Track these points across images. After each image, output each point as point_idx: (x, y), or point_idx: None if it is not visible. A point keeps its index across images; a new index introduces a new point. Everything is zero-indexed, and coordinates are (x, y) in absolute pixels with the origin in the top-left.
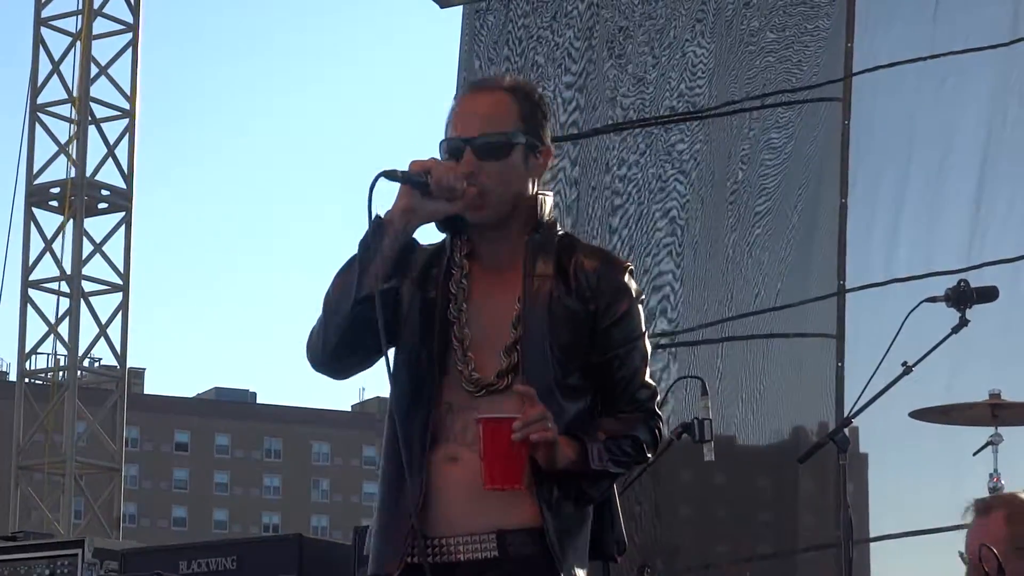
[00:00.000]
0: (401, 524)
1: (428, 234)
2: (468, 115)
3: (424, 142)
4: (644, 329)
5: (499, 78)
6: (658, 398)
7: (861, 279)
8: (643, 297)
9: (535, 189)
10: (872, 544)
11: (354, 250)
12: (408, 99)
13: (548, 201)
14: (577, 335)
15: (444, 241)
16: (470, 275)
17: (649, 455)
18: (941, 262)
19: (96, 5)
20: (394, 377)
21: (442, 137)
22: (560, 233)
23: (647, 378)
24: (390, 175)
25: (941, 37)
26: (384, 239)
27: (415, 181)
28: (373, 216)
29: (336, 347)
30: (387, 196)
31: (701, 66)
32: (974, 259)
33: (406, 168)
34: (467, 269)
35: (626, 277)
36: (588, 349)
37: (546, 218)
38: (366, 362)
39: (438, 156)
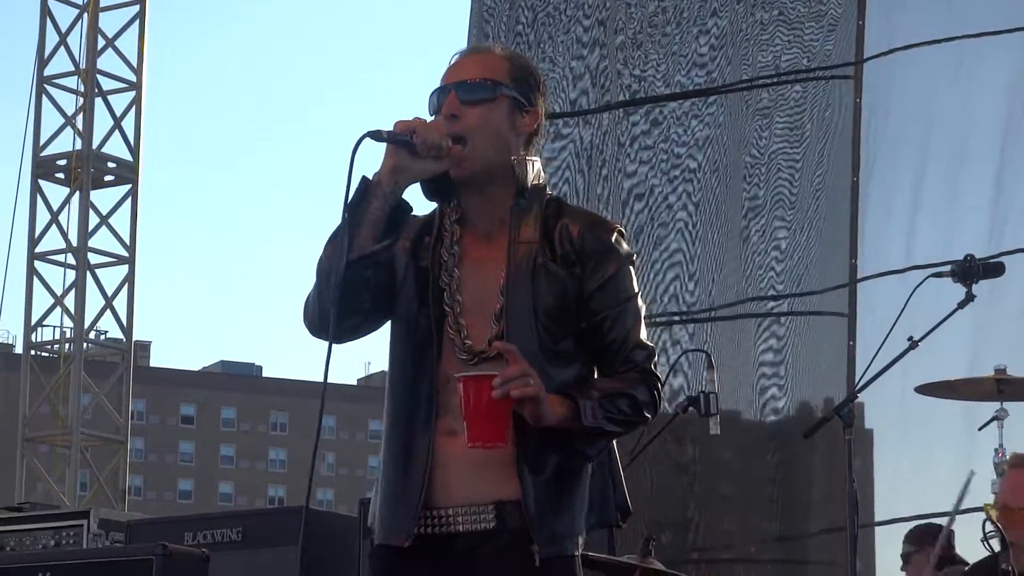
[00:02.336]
0: (409, 496)
1: (419, 205)
2: (458, 67)
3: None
4: (636, 290)
5: (493, 44)
6: (655, 358)
7: (880, 265)
8: (635, 259)
9: (523, 151)
10: (878, 527)
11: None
12: (419, 69)
13: (535, 165)
14: (563, 301)
15: (434, 211)
16: (461, 241)
17: (648, 415)
18: (960, 249)
19: None
20: (393, 351)
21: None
22: (548, 197)
23: (642, 338)
24: (375, 135)
25: (956, 20)
26: (373, 200)
27: (400, 140)
28: (358, 177)
29: (329, 313)
30: (371, 161)
31: (713, 43)
32: (993, 248)
33: (391, 128)
34: (457, 235)
35: (614, 238)
36: (576, 314)
37: (533, 182)
38: (363, 327)
39: (428, 110)
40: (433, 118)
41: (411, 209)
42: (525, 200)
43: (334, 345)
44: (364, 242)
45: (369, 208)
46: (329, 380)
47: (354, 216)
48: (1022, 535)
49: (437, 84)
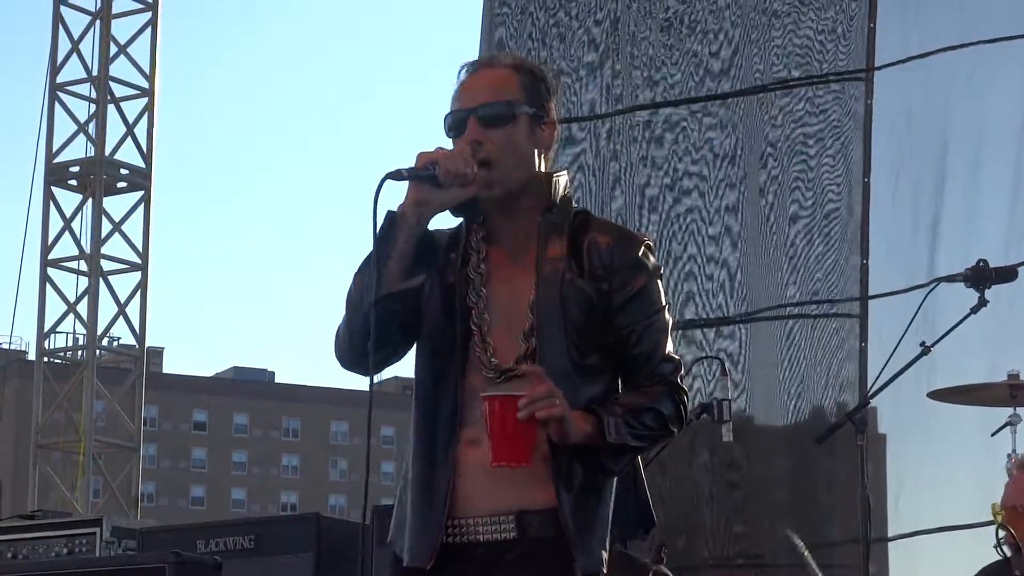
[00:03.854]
0: (435, 513)
1: (444, 220)
2: (471, 88)
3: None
4: (664, 303)
5: (502, 55)
6: (682, 372)
7: (905, 277)
8: (662, 272)
9: (545, 166)
10: (891, 530)
11: (369, 245)
12: (435, 76)
13: (562, 179)
14: (591, 316)
15: (460, 225)
16: (488, 259)
17: (674, 429)
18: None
19: None
20: (419, 365)
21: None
22: (575, 210)
23: (669, 351)
24: (395, 176)
25: (970, 26)
26: (399, 235)
27: (422, 175)
28: (383, 217)
29: (363, 345)
30: (394, 192)
31: (726, 48)
32: (1012, 257)
33: (412, 163)
34: (484, 253)
35: (642, 252)
36: (604, 329)
37: (560, 196)
38: (394, 356)
39: (443, 130)
40: (451, 142)
41: (435, 238)
42: (553, 215)
43: (366, 372)
44: (393, 277)
45: (396, 243)
46: (340, 386)
47: (381, 252)
48: None
49: (449, 92)
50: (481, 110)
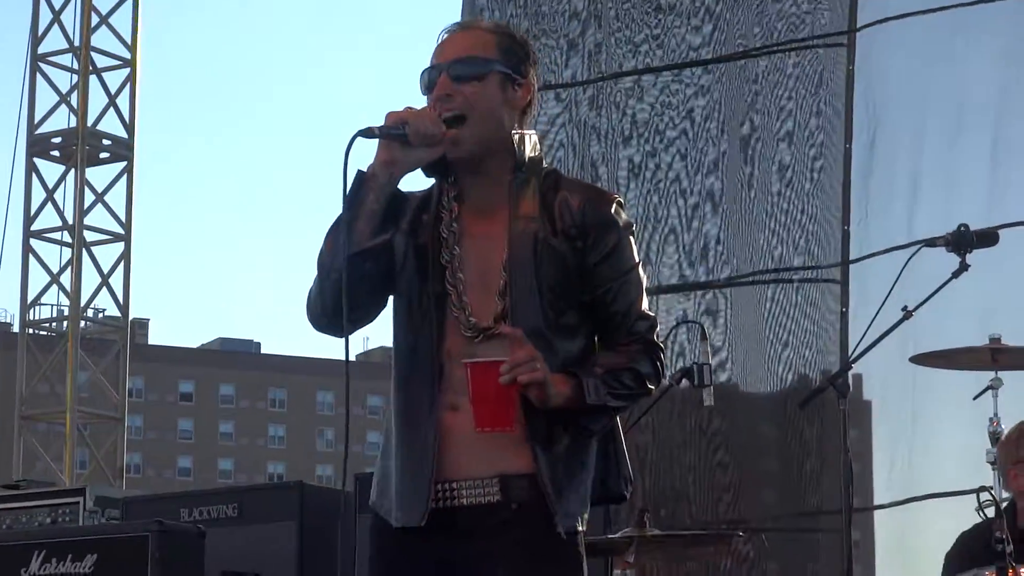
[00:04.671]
0: (423, 474)
1: (416, 182)
2: (445, 47)
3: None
4: (637, 260)
5: (479, 19)
6: (657, 329)
7: (885, 241)
8: (633, 229)
9: (517, 125)
10: (877, 496)
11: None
12: (418, 40)
13: (531, 138)
14: (565, 274)
15: (432, 186)
16: (460, 218)
17: (652, 387)
18: (958, 221)
19: None
20: (397, 329)
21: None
22: (545, 170)
23: (644, 308)
24: (366, 133)
25: None
26: (369, 193)
27: (393, 134)
28: (354, 176)
29: (334, 307)
30: (365, 152)
31: (707, 13)
32: (993, 220)
33: (382, 122)
34: (456, 212)
35: (613, 209)
36: (579, 287)
37: (530, 155)
38: (366, 317)
39: (420, 90)
40: (425, 99)
41: (406, 198)
42: (523, 174)
43: (338, 334)
44: (362, 236)
45: (365, 202)
46: (326, 356)
47: (351, 211)
48: None
49: (428, 61)
50: (453, 65)
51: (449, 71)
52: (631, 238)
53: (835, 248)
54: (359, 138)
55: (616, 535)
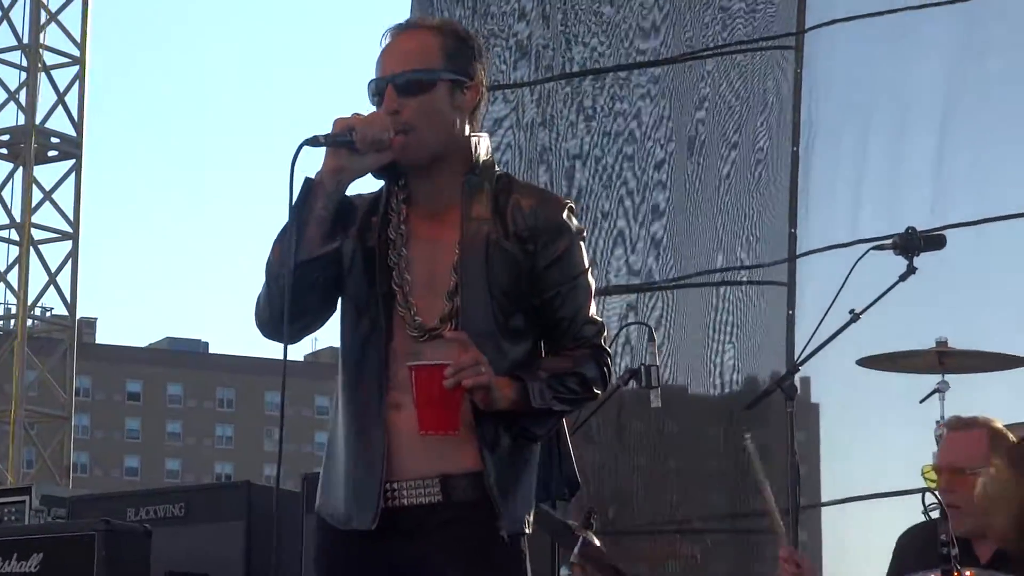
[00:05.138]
0: (373, 476)
1: (366, 184)
2: (392, 54)
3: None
4: (587, 265)
5: (424, 18)
6: (605, 334)
7: (826, 239)
8: (584, 234)
9: (468, 128)
10: (824, 497)
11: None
12: (365, 42)
13: (483, 142)
14: (516, 278)
15: (381, 189)
16: (408, 220)
17: (598, 391)
18: (904, 222)
19: None
20: (344, 329)
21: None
22: (497, 173)
23: (592, 314)
24: (312, 142)
25: None
26: (317, 201)
27: (340, 141)
28: (301, 184)
29: (282, 313)
30: (315, 156)
31: (657, 14)
32: (937, 220)
33: (329, 130)
34: (405, 214)
35: (565, 214)
36: (529, 291)
37: (482, 158)
38: (314, 324)
39: (368, 98)
40: (372, 107)
41: (354, 203)
42: (476, 177)
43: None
44: (311, 244)
45: (313, 209)
46: (275, 357)
47: (299, 219)
48: (966, 497)
49: (376, 64)
50: (399, 79)
51: (395, 84)
52: (582, 243)
53: (781, 249)
54: (306, 147)
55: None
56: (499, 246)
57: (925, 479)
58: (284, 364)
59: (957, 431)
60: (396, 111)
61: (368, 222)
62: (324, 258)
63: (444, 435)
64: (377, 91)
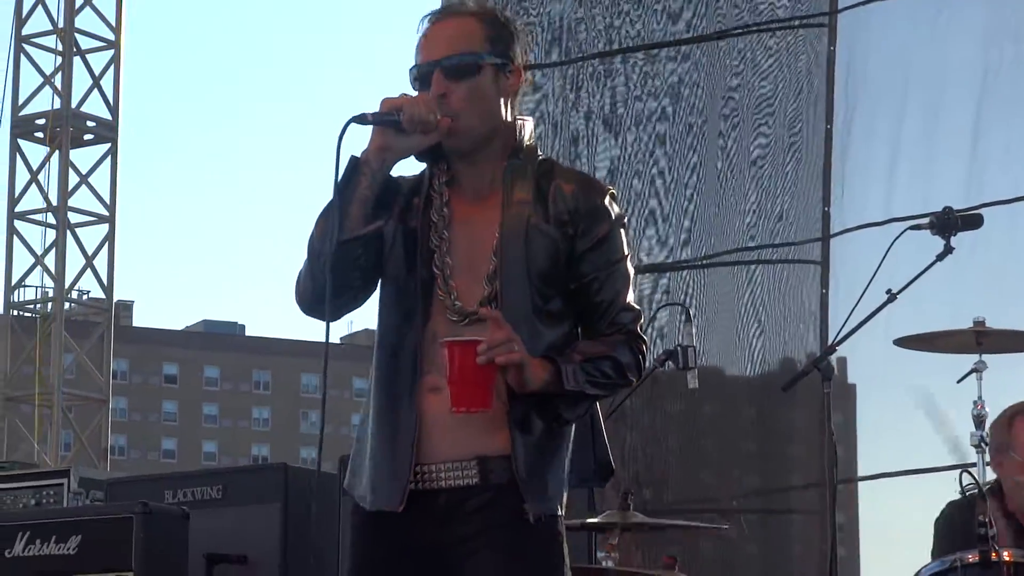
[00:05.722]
0: (402, 458)
1: (409, 165)
2: (434, 40)
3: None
4: (626, 252)
5: (463, 4)
6: (642, 321)
7: (859, 218)
8: (626, 220)
9: (511, 112)
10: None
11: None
12: (402, 23)
13: (527, 126)
14: (555, 261)
15: (424, 171)
16: (450, 203)
17: (632, 378)
18: (938, 200)
19: None
20: (382, 311)
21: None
22: (540, 158)
23: (630, 301)
24: (360, 119)
25: None
26: (362, 180)
27: (387, 120)
28: (347, 162)
29: (323, 291)
30: (360, 137)
31: None
32: (972, 199)
33: (377, 108)
34: (447, 197)
35: (606, 200)
36: (567, 275)
37: (525, 143)
38: (354, 302)
39: (408, 84)
40: (416, 92)
41: (399, 183)
42: (519, 161)
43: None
44: (355, 222)
45: (358, 188)
46: (311, 339)
47: (343, 196)
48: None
49: (414, 41)
50: (445, 62)
51: (443, 68)
52: (622, 230)
53: (814, 228)
54: (353, 124)
55: (598, 518)
56: (539, 229)
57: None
58: (327, 341)
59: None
60: (444, 95)
61: (410, 203)
62: (367, 237)
63: (476, 412)
64: (421, 76)
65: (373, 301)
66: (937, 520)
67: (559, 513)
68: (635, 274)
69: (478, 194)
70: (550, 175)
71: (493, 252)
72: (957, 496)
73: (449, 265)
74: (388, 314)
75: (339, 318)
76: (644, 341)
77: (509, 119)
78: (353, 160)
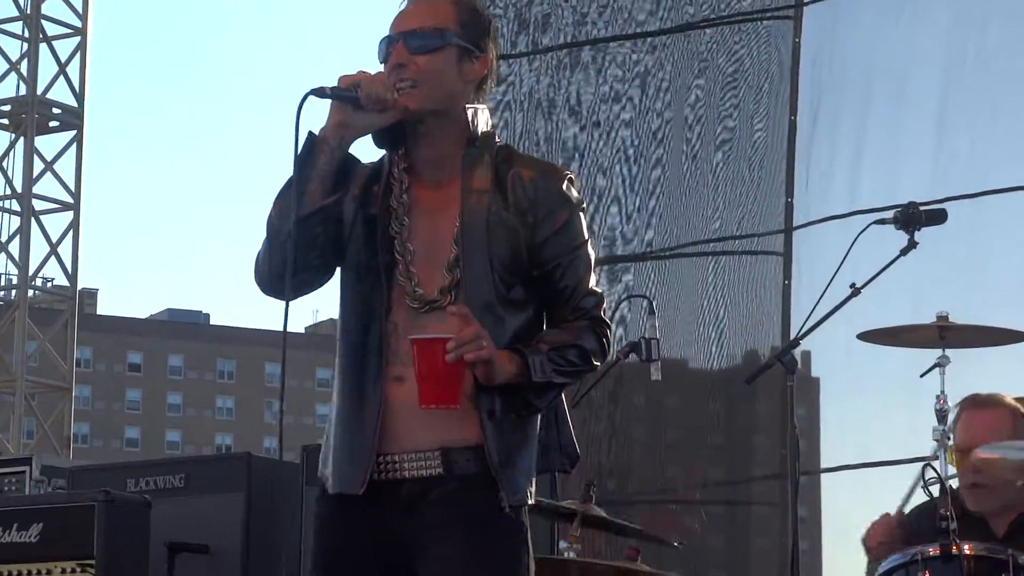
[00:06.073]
0: (363, 444)
1: (369, 153)
2: (406, 15)
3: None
4: (587, 237)
5: None
6: (604, 305)
7: (823, 210)
8: (584, 205)
9: (474, 98)
10: (824, 473)
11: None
12: (370, 15)
13: (482, 113)
14: (516, 249)
15: (383, 158)
16: (410, 189)
17: (597, 363)
18: (903, 194)
19: None
20: (344, 299)
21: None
22: (498, 144)
23: (592, 285)
24: (319, 92)
25: None
26: (320, 156)
27: (345, 96)
28: (304, 138)
29: (282, 269)
30: (317, 117)
31: None
32: (936, 192)
33: (335, 84)
34: (406, 183)
35: (564, 186)
36: (529, 262)
37: (482, 129)
38: (314, 282)
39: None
40: (381, 67)
41: (358, 161)
42: (476, 148)
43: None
44: (313, 198)
45: (316, 164)
46: (276, 328)
47: (301, 173)
48: (994, 476)
49: (387, 32)
50: (410, 36)
51: (405, 41)
52: (581, 215)
53: (777, 220)
54: (311, 98)
55: (561, 504)
56: (499, 218)
57: (952, 463)
58: (285, 321)
59: (977, 410)
60: (402, 64)
61: (370, 190)
62: (325, 210)
63: (445, 408)
64: (387, 50)
65: (335, 291)
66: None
67: (527, 502)
68: (598, 264)
69: (437, 182)
70: (509, 162)
71: (454, 240)
72: (919, 489)
73: (410, 251)
74: (349, 302)
75: (298, 296)
76: (608, 325)
77: (469, 105)
78: (311, 136)
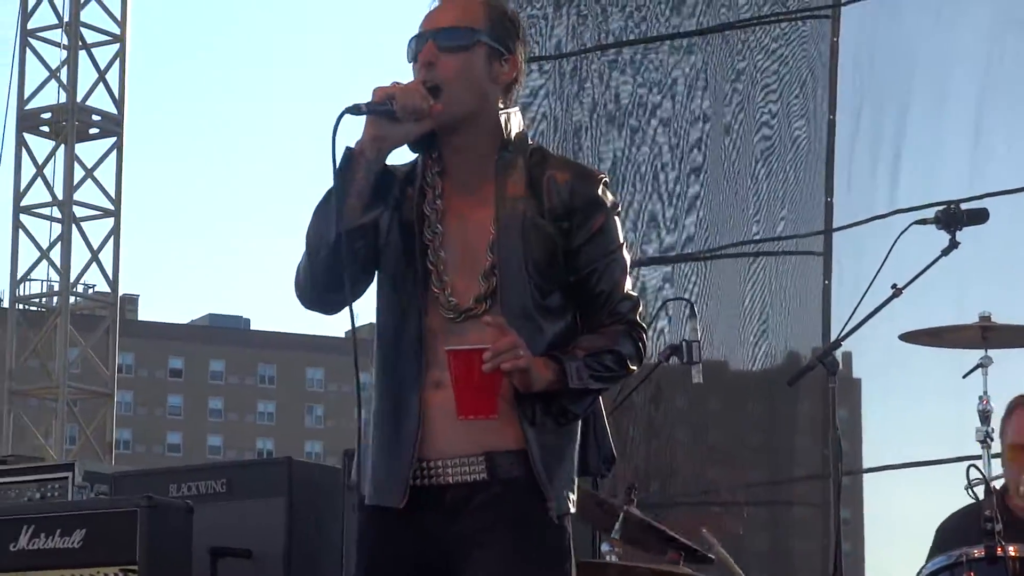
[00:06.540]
0: (403, 451)
1: (400, 156)
2: (437, 13)
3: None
4: (622, 241)
5: None
6: (640, 309)
7: (865, 211)
8: (620, 209)
9: (503, 101)
10: (866, 474)
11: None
12: (409, 18)
13: (515, 116)
14: (552, 255)
15: (415, 161)
16: (443, 195)
17: (634, 368)
18: (942, 192)
19: None
20: (380, 304)
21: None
22: (531, 147)
23: (628, 289)
24: (354, 110)
25: None
26: (358, 171)
27: (380, 110)
28: (341, 152)
29: (325, 283)
30: (355, 127)
31: None
32: (975, 190)
33: (370, 97)
34: (439, 189)
35: (600, 189)
36: (565, 268)
37: (514, 133)
38: (353, 295)
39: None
40: (411, 68)
41: (393, 172)
42: (509, 153)
43: (327, 311)
44: (352, 213)
45: (355, 179)
46: (316, 333)
47: (340, 188)
48: None
49: (424, 19)
50: (440, 34)
51: (435, 39)
52: (616, 218)
53: (817, 220)
54: (347, 115)
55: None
56: (535, 224)
57: (1004, 462)
58: (352, 329)
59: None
60: (431, 63)
61: (404, 195)
62: (365, 227)
63: (482, 419)
64: (416, 49)
65: (371, 292)
66: (941, 523)
67: (570, 510)
68: (637, 265)
69: (471, 186)
70: (543, 165)
71: (489, 248)
72: (963, 490)
73: (443, 260)
74: (386, 308)
75: (341, 310)
76: (644, 329)
77: (500, 108)
78: (348, 152)
